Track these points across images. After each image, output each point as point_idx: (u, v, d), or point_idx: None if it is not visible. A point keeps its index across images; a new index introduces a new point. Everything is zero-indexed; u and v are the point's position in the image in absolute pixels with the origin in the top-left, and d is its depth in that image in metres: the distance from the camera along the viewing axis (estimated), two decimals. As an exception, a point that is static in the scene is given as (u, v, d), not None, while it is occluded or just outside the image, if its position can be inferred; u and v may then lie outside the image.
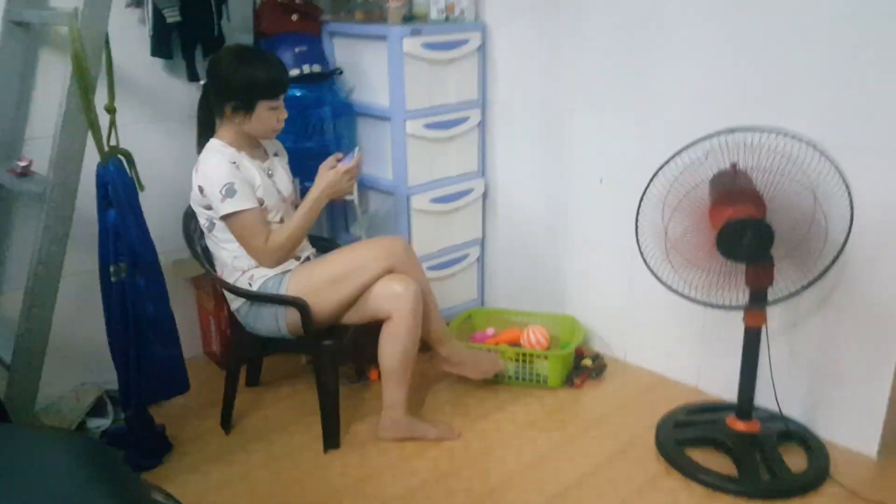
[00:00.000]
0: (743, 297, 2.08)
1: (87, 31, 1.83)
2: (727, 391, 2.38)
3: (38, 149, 2.22)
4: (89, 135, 1.93)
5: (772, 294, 2.05)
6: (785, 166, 1.94)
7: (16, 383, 2.00)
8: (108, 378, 2.25)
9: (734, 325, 2.14)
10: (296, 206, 2.29)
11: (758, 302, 2.06)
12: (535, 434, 2.37)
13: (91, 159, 1.96)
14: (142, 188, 2.07)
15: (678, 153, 2.03)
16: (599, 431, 2.37)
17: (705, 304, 2.11)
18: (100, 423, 2.37)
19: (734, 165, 2.01)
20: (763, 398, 2.22)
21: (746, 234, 1.91)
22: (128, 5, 2.40)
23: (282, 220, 2.24)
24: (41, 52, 2.27)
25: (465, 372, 2.53)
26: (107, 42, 1.91)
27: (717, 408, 2.37)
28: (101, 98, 1.93)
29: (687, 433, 2.27)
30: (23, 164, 2.10)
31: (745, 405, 2.16)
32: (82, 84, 1.84)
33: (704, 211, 2.02)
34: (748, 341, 2.12)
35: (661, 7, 2.36)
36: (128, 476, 0.87)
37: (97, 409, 2.40)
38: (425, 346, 2.43)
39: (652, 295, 2.42)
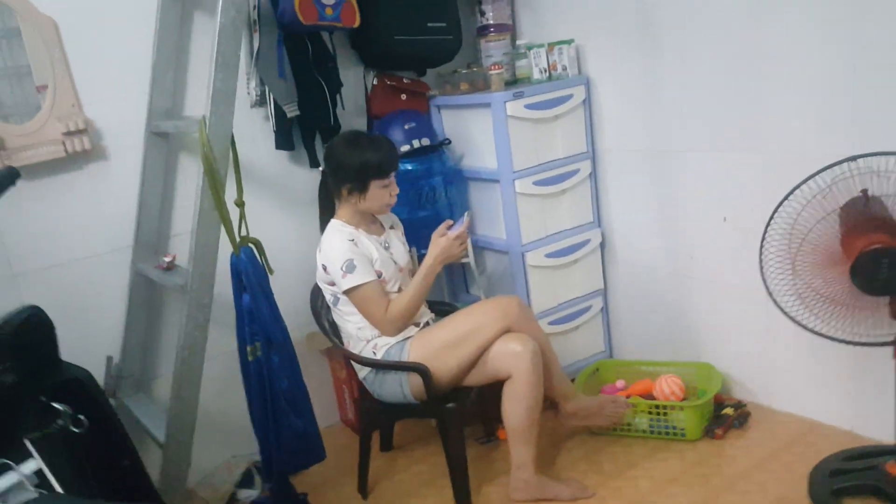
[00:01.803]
0: (890, 331, 1.92)
1: (214, 135, 2.02)
2: (887, 434, 2.16)
3: (182, 244, 2.46)
4: (223, 228, 2.11)
5: (922, 325, 1.88)
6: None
7: (169, 461, 2.18)
8: (256, 450, 2.39)
9: (890, 362, 1.97)
10: (413, 275, 2.37)
11: (907, 335, 1.89)
12: (676, 490, 2.26)
13: (226, 249, 2.14)
14: (271, 272, 2.23)
15: (799, 185, 1.94)
16: (747, 485, 2.23)
17: (847, 342, 1.96)
18: (249, 494, 2.52)
19: (865, 192, 1.89)
20: (929, 441, 2.01)
21: (883, 265, 1.77)
22: (253, 105, 2.64)
23: (399, 290, 2.32)
24: (179, 158, 2.54)
25: (596, 422, 2.49)
26: (233, 143, 2.10)
27: (877, 452, 2.16)
28: (231, 194, 2.12)
29: (843, 482, 2.08)
30: (168, 259, 2.34)
31: (905, 449, 1.96)
32: (213, 183, 2.03)
33: (836, 243, 1.90)
34: (902, 379, 1.94)
35: (768, 36, 2.27)
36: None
37: (246, 481, 2.56)
38: (552, 404, 2.41)
39: (793, 335, 2.27)
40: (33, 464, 1.36)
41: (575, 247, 2.87)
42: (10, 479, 1.32)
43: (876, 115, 2.08)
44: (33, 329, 1.50)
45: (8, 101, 2.25)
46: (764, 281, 1.99)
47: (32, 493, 1.33)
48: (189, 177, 2.54)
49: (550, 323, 2.84)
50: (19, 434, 1.42)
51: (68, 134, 2.25)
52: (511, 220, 2.75)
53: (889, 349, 1.94)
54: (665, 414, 2.50)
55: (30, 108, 2.26)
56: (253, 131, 2.64)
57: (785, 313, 1.99)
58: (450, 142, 2.90)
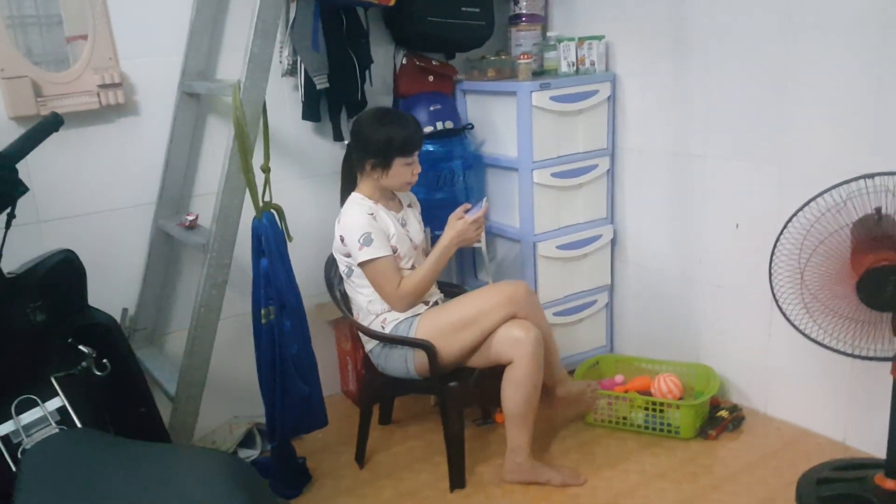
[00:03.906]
0: (891, 347, 1.96)
1: (247, 100, 2.06)
2: (879, 447, 2.21)
3: (204, 204, 2.51)
4: (247, 191, 2.15)
5: (922, 345, 1.92)
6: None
7: (178, 413, 2.24)
8: (258, 412, 2.45)
9: (887, 377, 2.01)
10: (426, 254, 2.41)
11: (906, 353, 1.93)
12: (665, 485, 2.31)
13: (247, 213, 2.19)
14: (290, 239, 2.27)
15: (814, 198, 1.97)
16: (735, 486, 2.28)
17: (849, 354, 2.00)
18: (249, 454, 2.58)
19: (878, 210, 1.93)
20: (918, 458, 2.06)
21: (890, 282, 1.82)
22: (283, 75, 2.67)
23: (413, 267, 2.37)
24: (208, 119, 2.58)
25: (578, 407, 2.59)
26: (264, 109, 2.14)
27: (866, 464, 2.21)
28: (257, 159, 2.16)
29: (830, 490, 2.13)
30: (190, 218, 2.39)
31: (894, 462, 2.01)
32: (242, 147, 2.07)
33: (846, 257, 1.94)
34: (897, 395, 1.99)
35: (796, 53, 2.31)
36: (263, 489, 0.99)
37: (247, 441, 2.62)
38: (546, 391, 2.45)
39: (794, 344, 2.33)
40: (57, 401, 1.42)
41: (586, 241, 2.91)
42: (34, 413, 1.37)
43: (890, 132, 2.12)
44: (65, 272, 1.55)
45: (37, 49, 2.29)
46: (772, 289, 2.04)
47: (54, 428, 1.38)
48: (215, 139, 2.58)
49: (555, 314, 2.88)
50: (45, 372, 1.47)
51: (103, 86, 2.29)
52: (526, 210, 2.79)
53: (888, 365, 1.99)
54: (661, 411, 2.55)
55: (58, 58, 2.30)
56: (281, 100, 2.68)
57: (790, 322, 2.03)
58: (472, 126, 2.93)
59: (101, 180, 2.41)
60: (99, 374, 1.54)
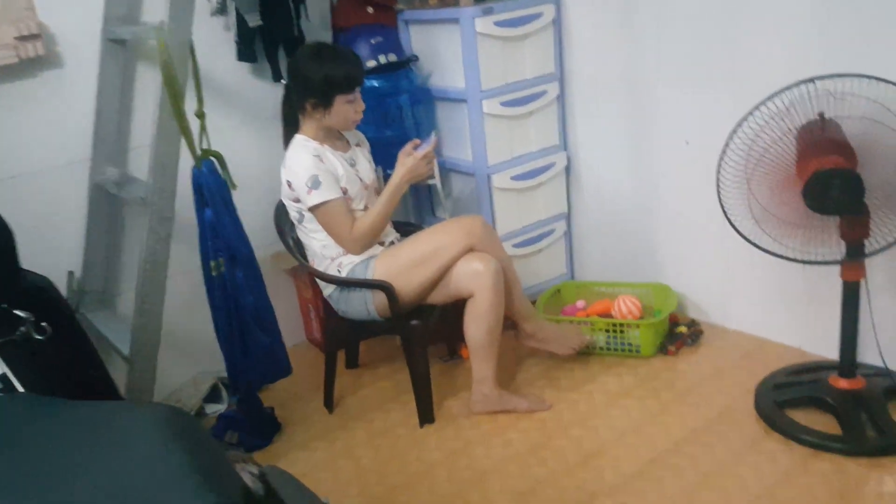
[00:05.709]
0: (839, 250, 1.99)
1: (172, 42, 1.96)
2: (833, 350, 2.26)
3: (142, 157, 2.40)
4: (183, 140, 2.07)
5: (869, 245, 1.95)
6: (876, 112, 1.84)
7: (134, 373, 2.19)
8: (222, 366, 2.43)
9: (837, 280, 2.04)
10: (379, 194, 2.36)
11: (854, 255, 1.96)
12: (629, 403, 2.35)
13: (187, 163, 2.11)
14: (234, 187, 2.20)
15: (758, 105, 1.96)
16: (696, 398, 2.33)
17: (798, 261, 2.03)
18: (216, 408, 2.56)
19: (821, 115, 1.92)
20: (869, 355, 2.12)
21: (834, 186, 1.82)
22: (213, 14, 2.54)
23: (365, 208, 2.32)
24: (137, 67, 2.46)
25: (552, 348, 2.54)
26: (192, 51, 2.04)
27: (820, 367, 2.28)
28: (191, 105, 2.07)
29: (787, 394, 2.19)
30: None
31: (846, 362, 2.07)
32: (172, 92, 1.98)
33: (791, 164, 1.95)
34: (847, 296, 2.03)
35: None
36: (205, 437, 0.97)
37: (213, 396, 2.60)
38: (512, 325, 2.46)
39: (747, 256, 2.34)
40: (-3, 368, 1.36)
41: (540, 170, 2.88)
42: (-28, 382, 1.32)
43: (839, 43, 2.10)
44: (-10, 234, 1.47)
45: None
46: (720, 200, 2.04)
47: (-6, 395, 1.34)
48: (147, 87, 2.46)
49: (515, 245, 2.87)
50: (-20, 340, 1.41)
51: (21, 38, 2.16)
52: (478, 142, 2.74)
53: (838, 268, 2.02)
54: (622, 332, 2.58)
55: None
56: (214, 41, 2.56)
57: (738, 232, 2.04)
58: (417, 59, 2.85)
59: (29, 139, 2.30)
60: (39, 338, 1.49)
